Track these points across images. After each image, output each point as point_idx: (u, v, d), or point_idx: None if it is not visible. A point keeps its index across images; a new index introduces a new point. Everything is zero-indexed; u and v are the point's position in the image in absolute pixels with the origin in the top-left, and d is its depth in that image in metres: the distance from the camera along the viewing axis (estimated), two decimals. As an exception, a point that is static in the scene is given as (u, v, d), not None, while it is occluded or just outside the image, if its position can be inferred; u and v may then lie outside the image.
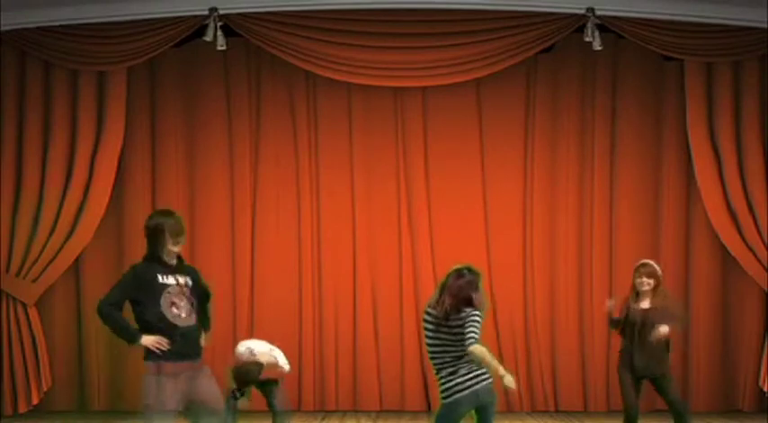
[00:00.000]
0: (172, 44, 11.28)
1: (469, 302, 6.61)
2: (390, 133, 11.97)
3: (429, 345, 6.71)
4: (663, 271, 9.03)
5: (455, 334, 6.59)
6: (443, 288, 6.68)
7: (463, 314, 6.60)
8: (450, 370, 6.60)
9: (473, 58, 11.33)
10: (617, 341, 11.56)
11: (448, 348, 6.61)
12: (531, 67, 11.87)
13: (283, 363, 9.09)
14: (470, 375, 6.57)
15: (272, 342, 9.27)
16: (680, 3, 11.07)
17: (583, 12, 11.08)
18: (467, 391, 6.55)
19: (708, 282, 11.76)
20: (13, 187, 11.42)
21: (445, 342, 6.62)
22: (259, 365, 8.84)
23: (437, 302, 6.67)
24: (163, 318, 6.50)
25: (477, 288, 6.64)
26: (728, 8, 11.01)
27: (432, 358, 6.72)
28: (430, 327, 6.69)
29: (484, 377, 6.62)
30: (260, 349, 9.00)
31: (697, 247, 11.81)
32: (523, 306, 11.86)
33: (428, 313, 6.74)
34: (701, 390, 11.71)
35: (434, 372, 6.73)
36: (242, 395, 9.01)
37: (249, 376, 8.80)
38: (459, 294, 6.59)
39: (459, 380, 6.57)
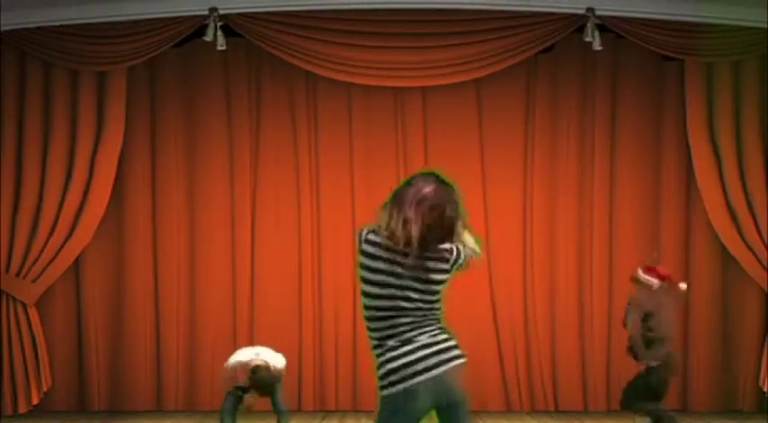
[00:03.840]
0: (172, 44, 11.27)
1: (451, 230, 4.18)
2: (390, 133, 11.97)
3: (374, 296, 4.22)
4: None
5: (427, 281, 4.20)
6: (407, 205, 4.19)
7: (442, 250, 4.24)
8: (402, 340, 4.20)
9: (473, 58, 11.32)
10: (617, 341, 11.65)
11: (411, 305, 4.21)
12: (531, 67, 11.86)
13: (282, 367, 9.19)
14: (431, 350, 4.16)
15: (257, 345, 9.41)
16: (680, 3, 11.06)
17: (583, 12, 11.07)
18: (422, 377, 4.16)
19: (708, 282, 11.75)
20: (13, 187, 11.41)
21: (407, 295, 4.17)
22: (274, 371, 9.01)
23: (390, 228, 4.14)
24: None
25: (458, 205, 4.31)
26: (728, 8, 11.00)
27: (374, 322, 4.29)
28: (380, 266, 4.19)
29: (452, 354, 4.18)
30: (266, 355, 9.12)
31: (697, 247, 11.80)
32: (523, 306, 11.86)
33: (371, 244, 4.19)
34: (701, 390, 11.70)
35: (372, 346, 4.34)
36: (245, 392, 9.13)
37: (265, 382, 8.98)
38: (434, 214, 4.20)
39: (411, 357, 4.16)
